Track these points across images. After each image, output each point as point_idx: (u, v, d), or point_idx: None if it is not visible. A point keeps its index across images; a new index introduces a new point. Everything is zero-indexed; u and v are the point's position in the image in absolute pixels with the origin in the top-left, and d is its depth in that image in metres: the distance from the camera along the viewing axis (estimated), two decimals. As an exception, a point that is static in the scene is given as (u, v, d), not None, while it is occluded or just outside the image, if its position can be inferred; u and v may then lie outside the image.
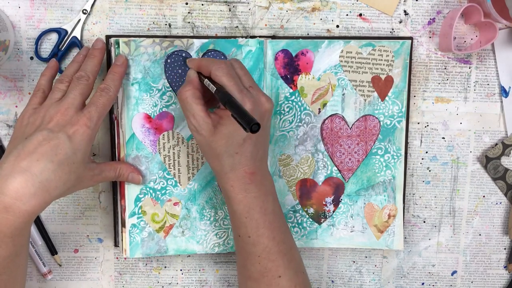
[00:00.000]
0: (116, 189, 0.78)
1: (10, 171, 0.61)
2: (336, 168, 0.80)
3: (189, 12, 0.77)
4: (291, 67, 0.77)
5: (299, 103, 0.78)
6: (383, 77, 0.78)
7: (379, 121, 0.79)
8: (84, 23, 0.76)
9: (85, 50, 0.74)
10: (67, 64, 0.77)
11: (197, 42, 0.75)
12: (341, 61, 0.78)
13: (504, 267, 0.86)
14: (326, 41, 0.77)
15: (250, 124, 0.58)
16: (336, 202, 0.81)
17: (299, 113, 0.78)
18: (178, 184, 0.77)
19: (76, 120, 0.65)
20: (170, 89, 0.76)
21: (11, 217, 0.60)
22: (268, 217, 0.70)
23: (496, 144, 0.82)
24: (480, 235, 0.85)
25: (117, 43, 0.74)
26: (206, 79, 0.68)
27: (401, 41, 0.78)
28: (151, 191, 0.77)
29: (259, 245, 0.69)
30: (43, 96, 0.70)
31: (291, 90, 0.78)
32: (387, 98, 0.79)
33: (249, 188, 0.69)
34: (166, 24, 0.77)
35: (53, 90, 0.69)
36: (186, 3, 0.77)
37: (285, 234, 0.72)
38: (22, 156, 0.61)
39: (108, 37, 0.76)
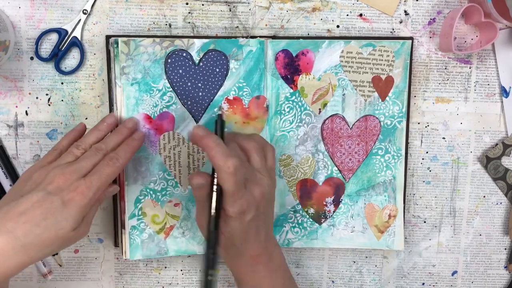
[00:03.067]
0: (116, 189, 0.78)
1: None
2: (336, 168, 0.80)
3: (189, 12, 0.77)
4: (292, 67, 0.77)
5: (300, 103, 0.78)
6: (383, 77, 0.78)
7: (380, 121, 0.79)
8: (84, 23, 0.76)
9: (110, 119, 0.72)
10: (67, 64, 0.77)
11: (198, 42, 0.75)
12: (342, 61, 0.77)
13: (505, 267, 0.86)
14: (327, 41, 0.77)
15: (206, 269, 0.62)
16: (337, 202, 0.81)
17: (299, 113, 0.78)
18: (178, 185, 0.77)
19: (75, 186, 0.63)
20: (171, 89, 0.76)
21: None
22: None
23: (497, 144, 0.82)
24: (480, 235, 0.85)
25: (116, 42, 0.74)
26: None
27: (401, 41, 0.77)
28: (151, 192, 0.77)
29: None
30: (57, 157, 0.68)
31: (291, 90, 0.78)
32: (387, 98, 0.78)
33: (256, 269, 0.70)
34: (166, 24, 0.77)
35: (67, 152, 0.67)
36: (187, 3, 0.77)
37: None
38: (10, 215, 0.60)
39: (108, 37, 0.76)
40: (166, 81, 0.75)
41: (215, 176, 0.65)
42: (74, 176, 0.63)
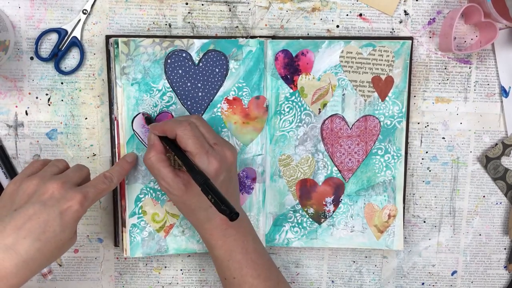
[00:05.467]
0: (116, 189, 0.78)
1: None
2: (336, 168, 0.80)
3: (189, 12, 0.77)
4: (291, 67, 0.77)
5: (299, 103, 0.78)
6: (383, 77, 0.78)
7: (379, 121, 0.79)
8: (84, 23, 0.76)
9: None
10: (67, 64, 0.77)
11: (198, 42, 0.75)
12: (342, 61, 0.77)
13: (504, 267, 0.86)
14: (327, 41, 0.77)
15: (230, 214, 0.59)
16: (336, 202, 0.81)
17: (299, 113, 0.78)
18: (178, 184, 0.77)
19: (72, 196, 0.62)
20: (171, 89, 0.76)
21: None
22: (250, 256, 0.72)
23: (496, 144, 0.82)
24: (480, 235, 0.85)
25: (116, 43, 0.74)
26: (175, 156, 0.69)
27: (401, 41, 0.77)
28: (151, 191, 0.77)
29: (245, 284, 0.71)
30: (40, 168, 0.68)
31: (291, 90, 0.78)
32: (387, 98, 0.78)
33: (227, 233, 0.71)
34: (166, 24, 0.77)
35: (50, 165, 0.68)
36: (186, 3, 0.77)
37: (270, 270, 0.74)
38: (8, 231, 0.58)
39: (108, 37, 0.76)
40: (166, 81, 0.75)
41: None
42: (68, 185, 0.63)
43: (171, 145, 0.70)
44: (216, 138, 0.71)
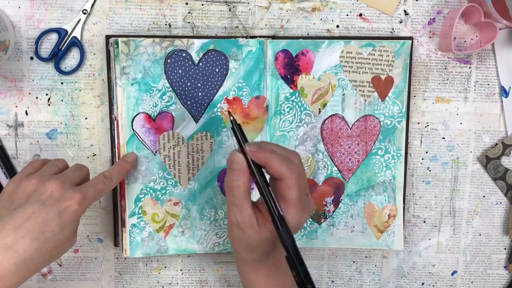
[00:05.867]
0: (116, 189, 0.78)
1: None
2: (336, 168, 0.80)
3: (189, 12, 0.77)
4: (291, 67, 0.77)
5: (299, 103, 0.78)
6: (383, 77, 0.78)
7: (379, 121, 0.79)
8: (84, 23, 0.76)
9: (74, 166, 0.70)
10: (67, 64, 0.77)
11: (198, 42, 0.75)
12: (341, 61, 0.77)
13: (504, 267, 0.86)
14: (326, 41, 0.77)
15: None
16: (336, 202, 0.81)
17: (299, 113, 0.78)
18: (178, 184, 0.77)
19: (71, 195, 0.62)
20: (170, 89, 0.76)
21: None
22: None
23: (496, 144, 0.82)
24: (480, 235, 0.85)
25: (116, 43, 0.74)
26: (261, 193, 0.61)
27: (401, 41, 0.77)
28: (151, 191, 0.77)
29: None
30: (39, 168, 0.67)
31: (291, 90, 0.78)
32: (387, 98, 0.79)
33: (272, 273, 0.67)
34: (166, 24, 0.77)
35: (50, 164, 0.67)
36: (186, 3, 0.77)
37: None
38: (7, 230, 0.58)
39: (108, 37, 0.76)
40: (166, 81, 0.75)
41: (261, 179, 0.62)
42: (67, 185, 0.63)
43: (261, 179, 0.62)
44: (307, 187, 0.64)
